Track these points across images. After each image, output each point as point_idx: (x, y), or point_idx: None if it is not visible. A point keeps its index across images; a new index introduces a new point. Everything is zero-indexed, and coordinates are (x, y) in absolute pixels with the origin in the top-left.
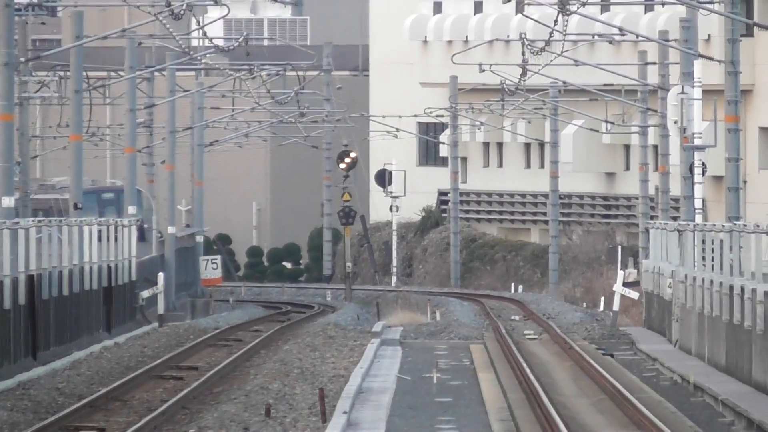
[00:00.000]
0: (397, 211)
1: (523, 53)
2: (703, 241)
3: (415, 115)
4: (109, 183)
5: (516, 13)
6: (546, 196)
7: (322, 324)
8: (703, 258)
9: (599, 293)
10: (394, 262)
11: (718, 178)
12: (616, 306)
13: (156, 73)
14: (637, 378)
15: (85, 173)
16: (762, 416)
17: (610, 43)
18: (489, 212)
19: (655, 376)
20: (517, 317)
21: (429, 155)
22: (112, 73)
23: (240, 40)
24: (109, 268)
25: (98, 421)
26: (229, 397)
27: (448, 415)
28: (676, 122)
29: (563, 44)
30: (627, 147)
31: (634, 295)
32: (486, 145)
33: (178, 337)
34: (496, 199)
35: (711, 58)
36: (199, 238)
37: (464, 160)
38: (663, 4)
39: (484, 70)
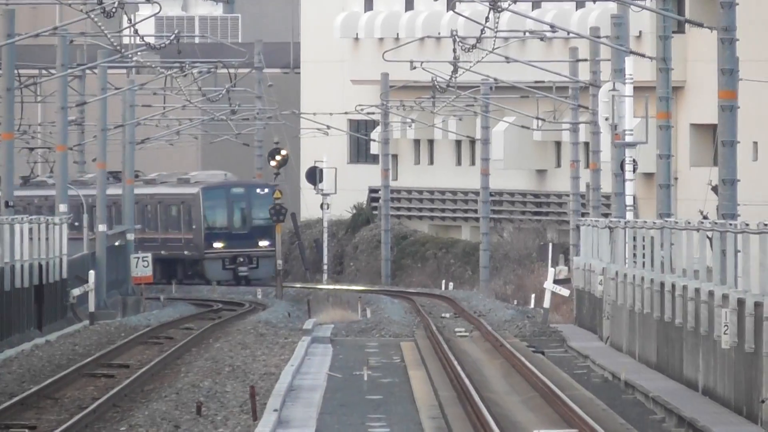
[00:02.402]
0: (327, 208)
1: (454, 50)
2: (634, 238)
3: (346, 113)
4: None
5: (447, 11)
6: (477, 193)
7: (253, 322)
8: (634, 255)
9: (530, 290)
10: (325, 259)
11: (649, 175)
12: (546, 303)
13: (87, 71)
14: (567, 375)
15: (16, 171)
16: (693, 413)
17: (542, 40)
18: (420, 209)
19: (586, 373)
20: (447, 314)
21: (360, 153)
22: (44, 71)
23: (171, 37)
24: (40, 266)
25: (29, 419)
26: (160, 395)
27: (379, 412)
28: (607, 119)
29: (494, 41)
30: (558, 144)
31: (564, 292)
32: (417, 142)
33: (109, 335)
34: (427, 197)
35: (642, 55)
36: (130, 236)
37: (395, 157)
38: (594, 0)
39: (415, 68)
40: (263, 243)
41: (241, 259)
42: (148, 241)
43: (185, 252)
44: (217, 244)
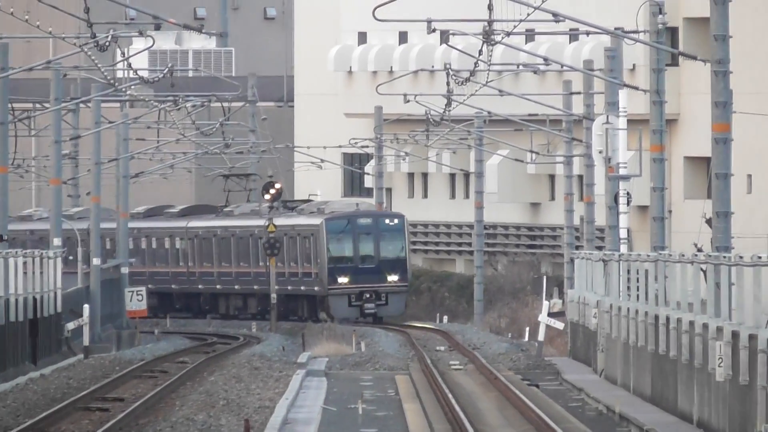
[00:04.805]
0: None
1: (447, 83)
2: (628, 271)
3: (340, 146)
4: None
5: (441, 44)
6: (471, 226)
7: (247, 355)
8: (628, 288)
9: (524, 323)
10: None
11: (643, 208)
12: (541, 336)
13: (81, 105)
14: (562, 408)
15: (11, 205)
16: None
17: (535, 72)
18: (414, 243)
19: (580, 406)
20: (442, 348)
21: (354, 186)
22: (38, 105)
23: (165, 71)
24: (34, 299)
25: None
26: (155, 429)
27: None
28: (601, 152)
29: (488, 74)
30: (552, 177)
31: (559, 325)
32: (411, 175)
33: (103, 368)
34: (421, 230)
35: (636, 88)
36: (125, 270)
37: (389, 190)
38: (588, 33)
39: (408, 101)
40: (392, 278)
41: (368, 295)
42: (280, 276)
43: (315, 288)
44: (342, 279)
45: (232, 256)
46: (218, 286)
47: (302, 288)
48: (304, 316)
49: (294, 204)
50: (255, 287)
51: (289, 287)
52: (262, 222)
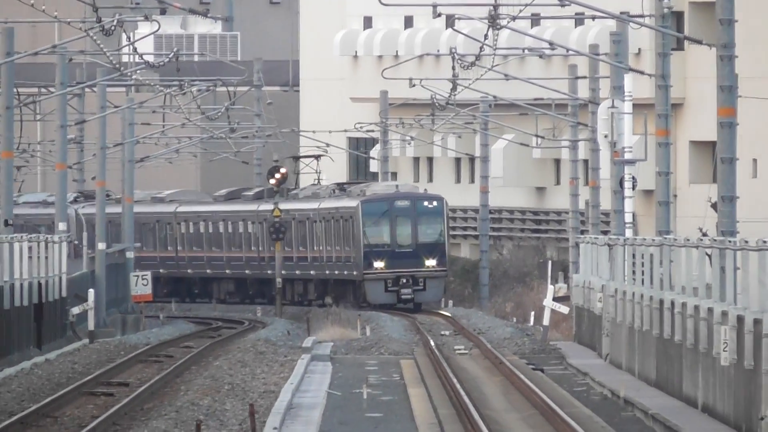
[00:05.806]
0: None
1: (453, 68)
2: (633, 256)
3: (345, 130)
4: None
5: (446, 28)
6: (476, 210)
7: (252, 340)
8: (633, 272)
9: (529, 308)
10: None
11: (648, 192)
12: (546, 321)
13: (87, 89)
14: (567, 393)
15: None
16: (692, 430)
17: (541, 57)
18: None
19: (585, 390)
20: (447, 332)
21: (359, 170)
22: (43, 89)
23: (170, 55)
24: (39, 284)
25: None
26: (160, 414)
27: (378, 430)
28: (606, 136)
29: (493, 59)
30: (557, 161)
31: (564, 309)
32: (416, 159)
33: (108, 353)
34: None
35: (641, 72)
36: (130, 254)
37: (394, 174)
38: (593, 18)
39: (414, 85)
40: (430, 262)
41: (404, 281)
42: (317, 260)
43: (354, 272)
44: (378, 264)
45: (293, 241)
46: (284, 272)
47: (345, 272)
48: (348, 302)
49: (348, 186)
50: (312, 272)
51: (336, 272)
52: (317, 204)
